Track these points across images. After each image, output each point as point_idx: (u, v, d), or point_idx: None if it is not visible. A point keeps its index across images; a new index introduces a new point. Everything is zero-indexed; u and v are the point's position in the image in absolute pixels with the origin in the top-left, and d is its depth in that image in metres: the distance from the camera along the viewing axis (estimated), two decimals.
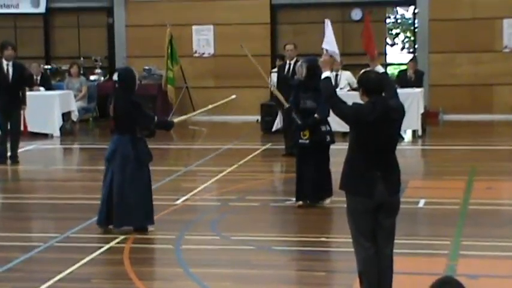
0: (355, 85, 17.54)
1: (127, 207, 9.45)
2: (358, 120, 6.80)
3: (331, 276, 8.02)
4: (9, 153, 14.61)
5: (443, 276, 4.66)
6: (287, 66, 14.95)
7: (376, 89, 6.90)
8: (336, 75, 17.67)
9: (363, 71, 7.16)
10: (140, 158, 9.53)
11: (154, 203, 11.21)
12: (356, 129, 6.91)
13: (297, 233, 9.53)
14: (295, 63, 14.39)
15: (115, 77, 9.92)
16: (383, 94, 6.94)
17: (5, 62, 14.59)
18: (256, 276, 8.11)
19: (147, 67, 20.46)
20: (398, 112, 6.91)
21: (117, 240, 9.30)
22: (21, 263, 8.57)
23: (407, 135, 17.24)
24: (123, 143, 9.50)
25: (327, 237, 9.32)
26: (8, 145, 14.64)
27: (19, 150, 14.78)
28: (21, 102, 14.79)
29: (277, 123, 16.77)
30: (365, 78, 6.96)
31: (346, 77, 17.65)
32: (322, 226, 9.98)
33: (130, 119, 9.50)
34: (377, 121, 6.71)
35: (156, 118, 10.00)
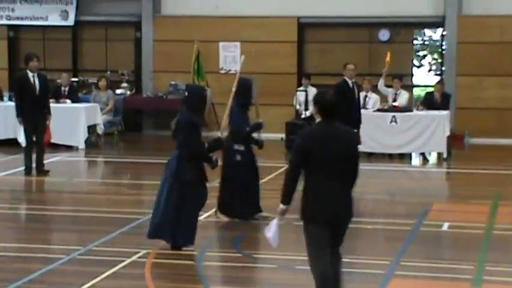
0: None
1: (160, 222, 9.45)
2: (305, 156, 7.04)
3: None
4: (34, 164, 14.68)
5: None
6: (350, 85, 14.85)
7: (326, 111, 7.10)
8: (365, 96, 17.70)
9: (320, 90, 7.42)
10: (180, 176, 9.47)
11: None
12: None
13: None
14: (353, 83, 14.76)
15: (185, 94, 10.00)
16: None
17: (30, 74, 14.69)
18: None
19: (173, 82, 20.51)
20: (351, 142, 7.23)
21: (139, 255, 9.31)
22: (43, 275, 8.60)
23: (433, 158, 17.17)
24: (173, 158, 9.54)
25: (350, 258, 9.27)
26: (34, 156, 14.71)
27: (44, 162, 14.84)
28: (47, 112, 14.87)
29: None
30: (320, 99, 7.15)
31: (374, 100, 17.73)
32: (347, 246, 9.93)
33: (183, 137, 9.50)
34: (325, 150, 7.00)
35: (206, 144, 9.90)
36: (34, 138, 14.67)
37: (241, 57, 13.77)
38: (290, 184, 7.14)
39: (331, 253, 7.27)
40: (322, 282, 7.10)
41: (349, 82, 14.74)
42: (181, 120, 9.61)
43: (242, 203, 11.14)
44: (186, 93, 9.86)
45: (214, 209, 11.40)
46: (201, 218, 11.24)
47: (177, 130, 9.66)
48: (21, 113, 14.64)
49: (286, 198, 7.19)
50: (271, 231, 7.42)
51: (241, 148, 11.17)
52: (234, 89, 11.40)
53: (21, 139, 15.70)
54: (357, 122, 14.39)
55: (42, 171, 14.62)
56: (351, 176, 7.23)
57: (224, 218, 11.17)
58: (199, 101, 9.76)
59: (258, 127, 11.41)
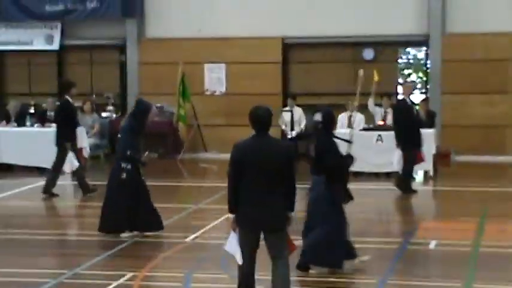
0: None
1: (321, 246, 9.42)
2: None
3: None
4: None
5: None
6: (409, 102, 14.97)
7: (258, 124, 7.70)
8: (350, 115, 17.74)
9: (255, 105, 7.86)
10: (334, 199, 9.53)
11: (164, 240, 11.23)
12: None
13: (307, 273, 9.47)
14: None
15: (318, 117, 9.97)
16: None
17: (71, 100, 15.16)
18: None
19: (158, 104, 20.49)
20: (281, 153, 7.69)
21: (126, 278, 9.28)
22: None
23: (419, 176, 17.20)
24: (318, 183, 9.56)
25: (337, 278, 9.26)
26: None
27: (30, 186, 14.82)
28: None
29: None
30: (253, 113, 7.74)
31: (359, 119, 17.75)
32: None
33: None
34: (254, 160, 7.57)
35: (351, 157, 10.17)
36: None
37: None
38: (229, 194, 7.72)
39: (273, 266, 7.80)
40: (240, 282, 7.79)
41: (407, 100, 14.79)
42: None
43: (124, 219, 11.28)
44: (322, 118, 9.94)
45: (201, 231, 11.39)
46: (187, 239, 11.25)
47: (317, 155, 9.73)
48: (70, 138, 14.93)
49: (230, 208, 7.78)
50: (230, 244, 7.83)
51: (129, 167, 11.27)
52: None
53: (68, 164, 15.67)
54: (417, 140, 14.55)
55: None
56: (281, 186, 7.68)
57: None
58: (334, 121, 10.08)
59: (141, 163, 11.46)
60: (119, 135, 11.70)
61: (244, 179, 7.64)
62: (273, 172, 7.63)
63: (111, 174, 11.60)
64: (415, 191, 14.96)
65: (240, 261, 7.77)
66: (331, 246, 9.36)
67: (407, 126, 14.80)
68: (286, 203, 7.79)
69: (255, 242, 7.76)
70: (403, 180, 14.84)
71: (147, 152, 11.49)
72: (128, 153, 11.26)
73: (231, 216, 7.79)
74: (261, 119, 7.75)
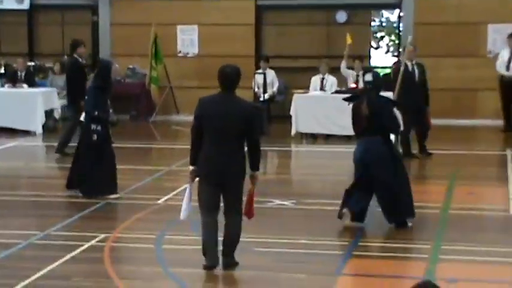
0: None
1: (399, 200, 9.76)
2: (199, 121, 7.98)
3: (311, 278, 8.05)
4: None
5: (422, 280, 4.70)
6: (410, 68, 14.81)
7: (224, 83, 7.94)
8: (323, 78, 17.78)
9: (224, 64, 8.11)
10: (396, 155, 9.98)
11: (136, 202, 11.26)
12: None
13: (278, 235, 9.55)
14: (414, 64, 14.81)
15: (368, 77, 10.09)
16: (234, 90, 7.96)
17: (79, 59, 15.26)
18: (236, 277, 8.15)
19: (131, 66, 20.46)
20: (241, 111, 7.91)
21: (97, 239, 9.32)
22: (2, 260, 8.57)
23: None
24: (376, 143, 9.73)
25: (308, 239, 9.35)
26: None
27: (1, 147, 14.75)
28: None
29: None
30: (221, 71, 8.00)
31: (331, 82, 17.77)
32: (304, 228, 10.01)
33: (383, 119, 9.77)
34: (214, 116, 7.86)
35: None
36: None
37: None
38: (192, 145, 8.05)
39: (225, 216, 8.14)
40: (205, 238, 8.10)
41: (409, 64, 14.73)
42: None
43: (93, 180, 11.33)
44: (372, 79, 10.09)
45: (173, 192, 11.43)
46: (160, 201, 11.30)
47: (371, 116, 9.80)
48: (83, 95, 14.63)
49: (191, 158, 8.08)
50: (184, 197, 8.19)
51: (99, 128, 11.31)
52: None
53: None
54: (418, 101, 14.38)
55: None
56: (241, 144, 7.95)
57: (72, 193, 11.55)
58: (382, 82, 10.22)
59: (109, 123, 11.55)
60: (86, 98, 11.72)
61: (206, 133, 7.91)
62: (233, 129, 7.86)
63: (81, 137, 11.62)
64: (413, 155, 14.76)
65: (182, 216, 8.20)
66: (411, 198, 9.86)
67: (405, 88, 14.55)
68: (245, 160, 8.01)
69: (215, 198, 8.01)
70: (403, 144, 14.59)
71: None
72: (95, 113, 11.25)
73: (191, 167, 8.06)
74: (228, 76, 7.97)
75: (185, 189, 8.30)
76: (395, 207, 9.78)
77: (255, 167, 8.12)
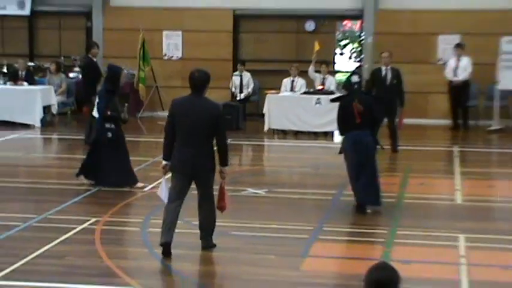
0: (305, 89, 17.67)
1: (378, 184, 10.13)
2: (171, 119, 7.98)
3: (280, 259, 8.05)
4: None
5: (379, 261, 4.71)
6: (383, 72, 14.91)
7: (193, 85, 7.98)
8: (293, 80, 17.78)
9: (195, 68, 8.17)
10: (376, 146, 10.20)
11: (125, 189, 11.21)
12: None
13: (252, 220, 9.54)
14: (387, 69, 14.94)
15: (355, 78, 10.21)
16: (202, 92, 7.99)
17: (94, 59, 15.37)
18: (214, 258, 8.14)
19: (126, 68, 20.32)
20: (208, 111, 7.92)
21: (89, 222, 9.27)
22: (2, 240, 8.52)
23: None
24: (366, 135, 9.92)
25: (278, 225, 9.35)
26: None
27: (3, 139, 14.62)
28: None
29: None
30: (191, 75, 8.05)
31: (301, 84, 17.75)
32: (274, 214, 10.01)
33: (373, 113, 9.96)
34: (184, 115, 7.85)
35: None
36: None
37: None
38: (165, 141, 8.04)
39: (199, 207, 8.11)
40: (164, 220, 8.02)
41: (383, 69, 14.84)
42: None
43: (110, 173, 11.22)
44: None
45: (158, 181, 11.39)
46: (146, 189, 11.25)
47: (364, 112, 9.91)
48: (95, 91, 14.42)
49: (164, 154, 8.08)
50: (161, 188, 8.15)
51: (112, 126, 11.25)
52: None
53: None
54: (388, 101, 14.09)
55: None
56: (209, 139, 7.92)
57: (84, 181, 11.37)
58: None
59: (122, 120, 11.50)
60: (97, 100, 11.57)
61: (178, 130, 7.89)
62: (201, 127, 7.84)
63: (97, 135, 11.43)
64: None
65: (164, 199, 8.11)
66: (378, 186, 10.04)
67: (378, 91, 14.58)
68: (214, 154, 8.00)
69: (183, 188, 7.97)
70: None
71: (126, 105, 11.57)
72: (109, 113, 11.17)
73: (164, 162, 8.03)
74: (196, 81, 7.99)
75: (169, 179, 8.25)
76: (377, 190, 9.97)
77: (223, 162, 8.08)
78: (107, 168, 11.21)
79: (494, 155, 15.73)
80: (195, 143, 7.86)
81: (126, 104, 11.69)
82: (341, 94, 11.63)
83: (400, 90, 15.05)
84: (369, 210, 9.94)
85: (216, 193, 8.21)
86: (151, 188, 11.24)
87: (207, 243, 8.19)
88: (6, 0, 21.16)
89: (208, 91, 8.15)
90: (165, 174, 8.12)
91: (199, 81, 7.99)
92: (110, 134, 11.26)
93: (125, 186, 11.23)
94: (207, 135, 7.89)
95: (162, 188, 8.19)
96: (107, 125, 11.26)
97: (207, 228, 8.18)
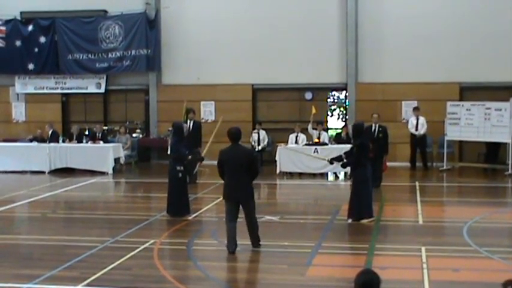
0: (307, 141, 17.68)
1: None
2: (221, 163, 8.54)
3: (290, 268, 7.98)
4: None
5: (364, 268, 4.71)
6: (373, 127, 15.23)
7: (231, 138, 8.48)
8: (296, 135, 17.83)
9: (232, 127, 8.64)
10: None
11: (175, 218, 11.15)
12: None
13: (268, 239, 9.46)
14: (378, 127, 15.23)
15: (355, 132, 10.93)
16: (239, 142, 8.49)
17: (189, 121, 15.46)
18: (240, 268, 8.12)
19: (170, 128, 20.38)
20: (244, 154, 8.46)
21: (149, 243, 9.28)
22: (86, 257, 8.55)
23: (341, 175, 17.31)
24: (369, 167, 10.69)
25: (288, 242, 9.30)
26: None
27: (85, 183, 14.66)
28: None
29: None
30: (229, 131, 8.56)
31: (302, 138, 17.78)
32: (285, 235, 9.94)
33: (173, 146, 10.53)
34: (229, 159, 8.40)
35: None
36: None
37: (219, 119, 14.23)
38: (220, 176, 8.66)
39: (246, 221, 8.59)
40: (228, 235, 8.47)
41: (373, 126, 15.15)
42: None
43: (179, 205, 11.12)
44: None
45: (199, 211, 11.39)
46: (190, 218, 11.25)
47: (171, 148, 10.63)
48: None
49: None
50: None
51: (182, 168, 11.15)
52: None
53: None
54: (375, 151, 13.92)
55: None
56: (248, 174, 8.39)
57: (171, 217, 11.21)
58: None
59: (198, 159, 11.80)
60: (169, 150, 11.50)
61: (225, 170, 8.42)
62: (241, 166, 8.37)
63: (171, 174, 11.17)
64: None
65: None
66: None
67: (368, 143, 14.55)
68: (252, 185, 8.59)
69: (234, 210, 8.47)
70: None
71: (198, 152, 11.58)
72: (190, 157, 11.09)
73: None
74: (234, 134, 8.54)
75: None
76: (370, 205, 10.59)
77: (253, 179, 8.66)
78: (175, 202, 11.06)
79: (445, 188, 15.65)
80: (238, 178, 8.43)
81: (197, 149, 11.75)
82: (338, 155, 11.77)
83: (386, 142, 15.16)
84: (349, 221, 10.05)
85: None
86: (194, 217, 11.25)
87: (256, 245, 8.77)
88: (87, 82, 21.50)
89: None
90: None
91: (236, 134, 8.55)
92: (180, 174, 11.06)
93: (183, 216, 11.07)
94: (245, 171, 8.42)
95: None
96: (178, 167, 11.03)
97: (253, 236, 8.71)
